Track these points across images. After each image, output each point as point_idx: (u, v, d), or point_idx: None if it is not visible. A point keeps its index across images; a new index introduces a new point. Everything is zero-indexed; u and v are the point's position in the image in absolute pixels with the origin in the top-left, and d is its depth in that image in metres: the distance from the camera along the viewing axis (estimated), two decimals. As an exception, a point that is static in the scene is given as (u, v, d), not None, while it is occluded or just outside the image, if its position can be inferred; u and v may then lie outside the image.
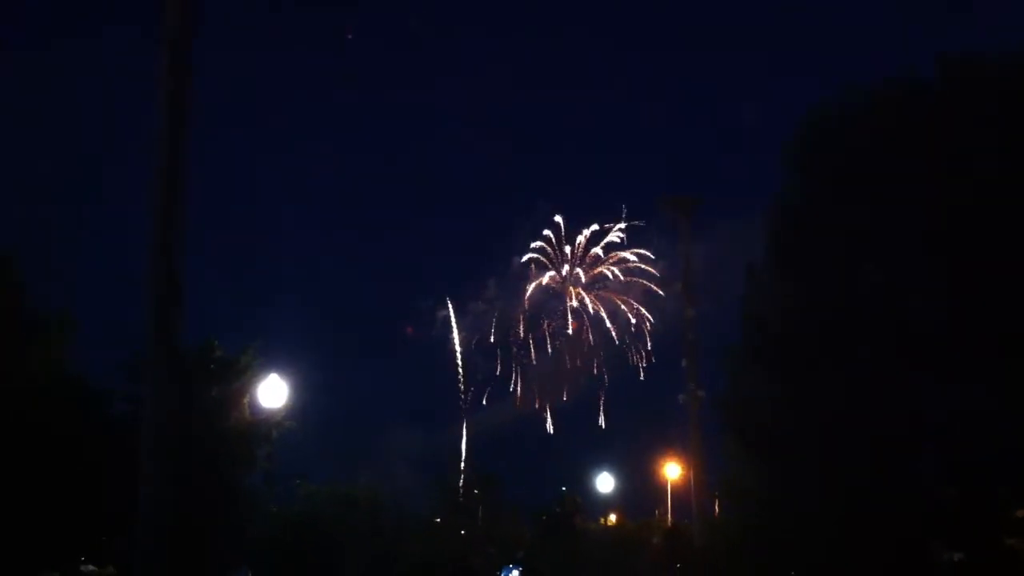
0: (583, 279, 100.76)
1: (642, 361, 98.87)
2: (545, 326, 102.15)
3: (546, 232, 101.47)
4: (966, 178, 22.81)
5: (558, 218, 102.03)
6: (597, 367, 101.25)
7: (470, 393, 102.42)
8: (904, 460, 24.19)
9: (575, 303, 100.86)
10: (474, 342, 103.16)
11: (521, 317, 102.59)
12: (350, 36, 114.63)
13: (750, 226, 30.86)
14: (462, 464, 72.84)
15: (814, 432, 24.34)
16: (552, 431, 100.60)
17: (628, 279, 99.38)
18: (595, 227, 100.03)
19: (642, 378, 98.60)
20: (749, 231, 30.81)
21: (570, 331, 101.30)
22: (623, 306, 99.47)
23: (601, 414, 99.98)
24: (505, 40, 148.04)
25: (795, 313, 25.09)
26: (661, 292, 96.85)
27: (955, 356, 23.00)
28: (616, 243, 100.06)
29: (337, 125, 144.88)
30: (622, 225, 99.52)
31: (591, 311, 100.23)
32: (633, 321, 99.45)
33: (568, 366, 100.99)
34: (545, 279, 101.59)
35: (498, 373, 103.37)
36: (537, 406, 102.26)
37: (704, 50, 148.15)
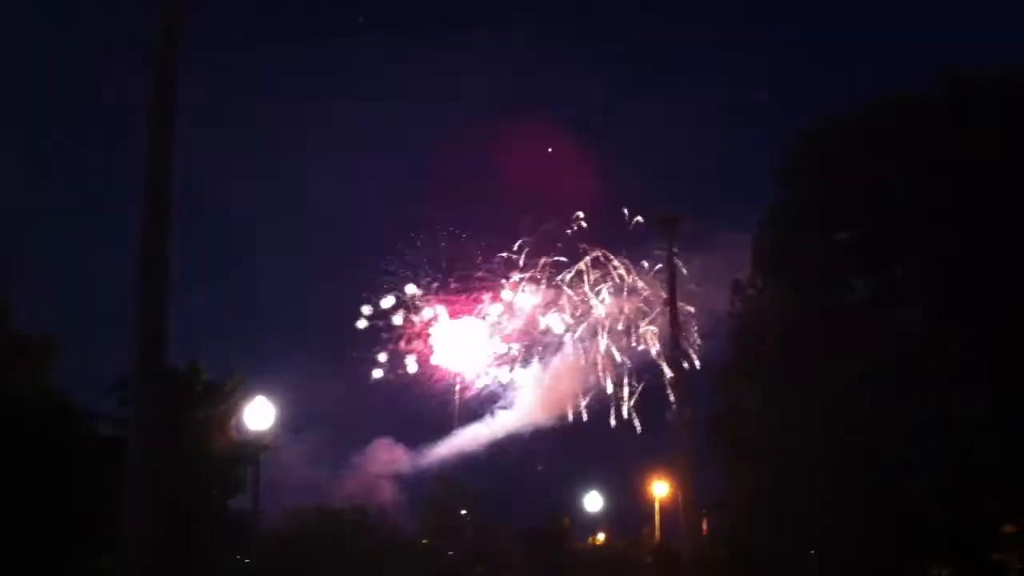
0: (579, 301, 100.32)
1: (632, 393, 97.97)
2: (537, 346, 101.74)
3: (544, 259, 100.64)
4: (958, 189, 23.03)
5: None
6: (587, 391, 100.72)
7: (459, 410, 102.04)
8: (894, 473, 24.24)
9: (571, 322, 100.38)
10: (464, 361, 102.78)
11: (513, 336, 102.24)
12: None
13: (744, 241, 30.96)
14: (451, 483, 72.48)
15: (803, 445, 24.38)
16: (542, 457, 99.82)
17: (624, 301, 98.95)
18: (596, 253, 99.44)
19: (632, 405, 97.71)
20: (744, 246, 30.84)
21: (561, 353, 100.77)
22: (616, 325, 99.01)
23: (581, 413, 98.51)
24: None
25: (785, 326, 25.18)
26: (647, 310, 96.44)
27: (945, 366, 23.10)
28: (616, 266, 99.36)
29: (325, 137, 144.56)
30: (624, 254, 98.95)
31: (582, 333, 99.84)
32: (632, 343, 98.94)
33: (560, 389, 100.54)
34: (539, 300, 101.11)
35: (487, 391, 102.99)
36: (527, 427, 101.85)
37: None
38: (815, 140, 26.30)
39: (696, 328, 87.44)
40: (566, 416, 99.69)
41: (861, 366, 23.84)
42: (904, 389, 23.88)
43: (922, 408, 23.97)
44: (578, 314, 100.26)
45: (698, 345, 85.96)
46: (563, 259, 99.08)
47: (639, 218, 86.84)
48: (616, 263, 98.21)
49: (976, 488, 23.19)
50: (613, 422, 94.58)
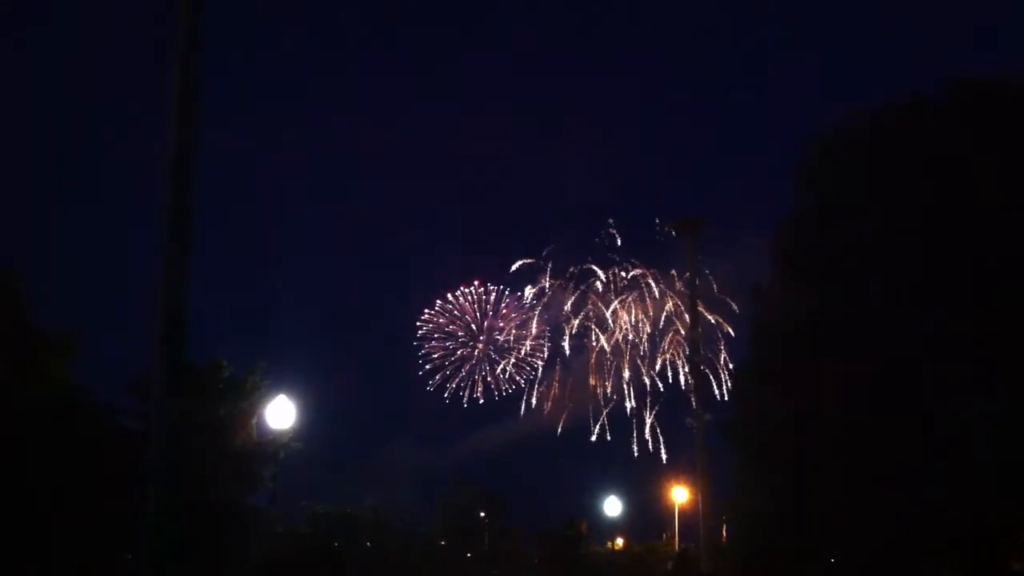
0: (603, 307, 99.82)
1: (654, 405, 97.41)
2: (558, 350, 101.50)
3: (574, 268, 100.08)
4: (966, 191, 23.01)
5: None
6: (605, 396, 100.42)
7: (480, 413, 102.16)
8: (904, 473, 24.12)
9: (595, 329, 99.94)
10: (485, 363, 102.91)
11: (529, 344, 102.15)
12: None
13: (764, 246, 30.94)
14: (468, 485, 72.60)
15: (818, 445, 24.36)
16: (561, 461, 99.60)
17: (650, 311, 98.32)
18: (625, 263, 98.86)
19: (653, 416, 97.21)
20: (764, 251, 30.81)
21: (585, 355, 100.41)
22: (641, 335, 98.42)
23: (603, 428, 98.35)
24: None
25: (804, 326, 25.18)
26: (674, 320, 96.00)
27: (962, 367, 23.02)
28: (644, 275, 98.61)
29: (349, 142, 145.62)
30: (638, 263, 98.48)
31: (603, 339, 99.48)
32: (647, 346, 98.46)
33: (578, 392, 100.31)
34: (563, 306, 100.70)
35: (507, 394, 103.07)
36: (545, 425, 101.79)
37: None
38: (830, 144, 26.34)
39: (722, 339, 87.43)
40: (587, 422, 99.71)
41: (877, 362, 23.81)
42: (914, 389, 23.83)
43: (931, 408, 23.89)
44: (604, 323, 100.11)
45: (724, 357, 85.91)
46: (594, 267, 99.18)
47: (668, 226, 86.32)
48: (643, 272, 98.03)
49: (982, 491, 23.07)
50: (635, 446, 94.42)
